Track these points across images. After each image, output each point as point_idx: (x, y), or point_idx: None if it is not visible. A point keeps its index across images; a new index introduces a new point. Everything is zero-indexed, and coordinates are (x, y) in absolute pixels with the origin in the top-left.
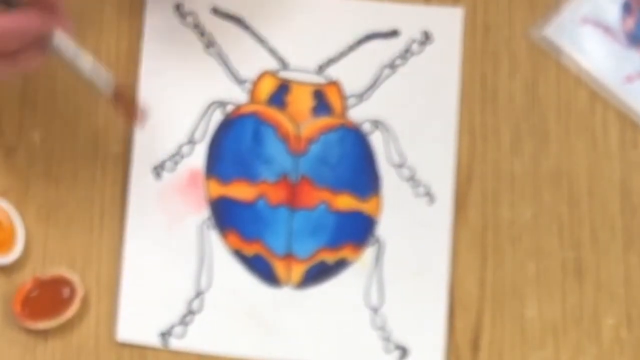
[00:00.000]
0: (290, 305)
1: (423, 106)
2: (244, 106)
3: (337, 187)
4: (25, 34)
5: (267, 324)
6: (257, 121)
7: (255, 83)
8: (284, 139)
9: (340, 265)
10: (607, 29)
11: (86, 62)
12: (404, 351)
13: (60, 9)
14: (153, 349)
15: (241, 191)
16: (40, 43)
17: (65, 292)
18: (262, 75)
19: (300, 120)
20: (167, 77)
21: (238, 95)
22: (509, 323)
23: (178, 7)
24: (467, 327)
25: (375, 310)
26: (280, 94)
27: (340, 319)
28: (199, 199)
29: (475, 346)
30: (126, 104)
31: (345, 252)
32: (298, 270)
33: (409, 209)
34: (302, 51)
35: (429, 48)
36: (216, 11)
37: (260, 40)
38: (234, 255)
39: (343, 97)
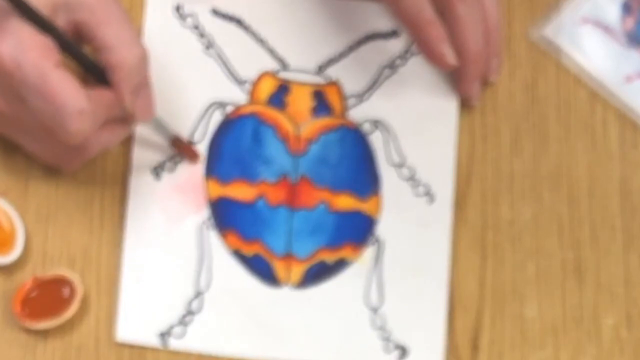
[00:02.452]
0: (289, 305)
1: (423, 106)
2: (243, 107)
3: (337, 187)
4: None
5: (267, 324)
6: (257, 122)
7: (255, 84)
8: (284, 139)
9: (340, 265)
10: (606, 29)
11: (158, 123)
12: (403, 351)
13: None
14: (152, 349)
15: (241, 191)
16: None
17: (65, 292)
18: (262, 75)
19: (300, 120)
20: (167, 78)
21: (238, 96)
22: (509, 323)
23: (178, 9)
24: (467, 327)
25: (375, 310)
26: (280, 95)
27: (340, 319)
28: (199, 199)
29: (475, 346)
30: (183, 148)
31: (344, 252)
32: (298, 270)
33: (408, 208)
34: (302, 51)
35: None
36: (216, 12)
37: (260, 40)
38: (233, 255)
39: (343, 97)
